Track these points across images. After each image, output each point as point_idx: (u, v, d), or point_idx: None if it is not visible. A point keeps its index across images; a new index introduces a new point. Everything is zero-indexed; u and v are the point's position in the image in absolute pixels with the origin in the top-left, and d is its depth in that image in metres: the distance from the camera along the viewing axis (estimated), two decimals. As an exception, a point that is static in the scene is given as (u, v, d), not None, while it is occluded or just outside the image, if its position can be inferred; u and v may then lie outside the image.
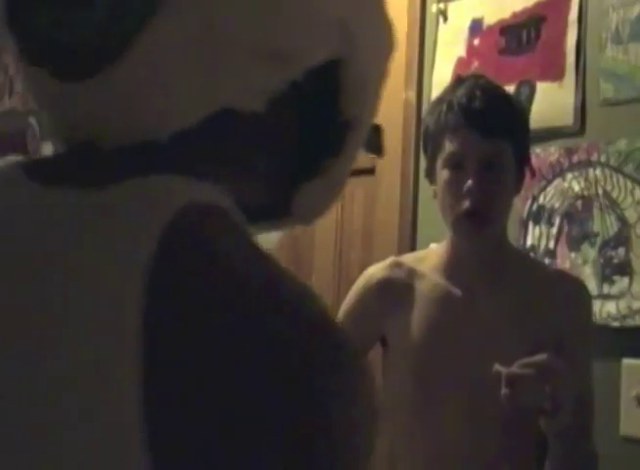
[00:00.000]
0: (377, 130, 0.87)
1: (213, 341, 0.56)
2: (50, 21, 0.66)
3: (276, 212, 0.75)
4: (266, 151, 0.72)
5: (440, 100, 1.71)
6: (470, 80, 1.71)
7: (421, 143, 1.79)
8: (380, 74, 0.78)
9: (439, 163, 1.68)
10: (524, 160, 1.72)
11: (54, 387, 0.56)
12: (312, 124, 0.72)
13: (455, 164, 1.65)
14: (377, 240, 2.62)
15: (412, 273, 1.75)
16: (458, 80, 1.74)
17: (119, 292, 0.57)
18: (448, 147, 1.66)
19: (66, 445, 0.55)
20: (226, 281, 0.58)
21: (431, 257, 1.79)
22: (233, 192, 0.66)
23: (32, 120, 4.50)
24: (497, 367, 1.51)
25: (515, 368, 1.50)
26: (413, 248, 2.49)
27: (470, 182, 1.62)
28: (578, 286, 1.77)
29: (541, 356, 1.51)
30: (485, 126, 1.64)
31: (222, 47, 0.66)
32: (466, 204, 1.63)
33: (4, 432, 0.57)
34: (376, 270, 1.77)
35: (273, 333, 0.56)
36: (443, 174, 1.67)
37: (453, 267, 1.73)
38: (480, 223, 1.66)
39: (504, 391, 1.49)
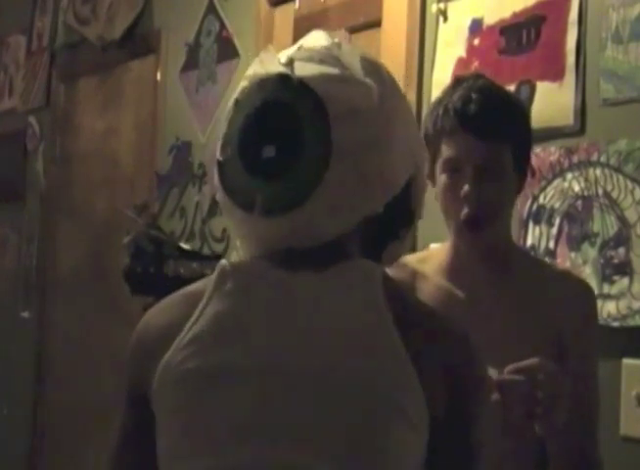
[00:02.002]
0: None
1: (435, 333, 1.19)
2: (257, 191, 1.17)
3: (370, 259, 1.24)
4: (375, 231, 1.23)
5: (438, 102, 1.70)
6: (468, 81, 1.70)
7: None
8: (425, 181, 1.30)
9: (438, 167, 1.68)
10: (525, 159, 1.71)
11: (375, 365, 1.14)
12: (397, 211, 1.24)
13: (452, 169, 1.65)
14: (377, 240, 2.62)
15: (415, 275, 1.75)
16: (457, 81, 1.73)
17: (381, 318, 1.15)
18: (445, 151, 1.66)
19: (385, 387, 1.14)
20: (422, 306, 1.27)
21: (433, 257, 1.79)
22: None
23: (32, 120, 4.50)
24: (490, 372, 1.51)
25: (505, 374, 1.50)
26: (413, 248, 2.49)
27: (466, 188, 1.62)
28: (583, 286, 1.77)
29: (532, 361, 1.51)
30: (481, 130, 1.63)
31: (364, 182, 1.17)
32: (464, 210, 1.63)
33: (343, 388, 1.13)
34: None
35: (458, 331, 1.22)
36: (442, 179, 1.67)
37: (456, 269, 1.73)
38: (479, 229, 1.65)
39: (494, 396, 1.50)
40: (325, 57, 1.21)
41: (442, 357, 1.17)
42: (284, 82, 1.19)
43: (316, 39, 1.25)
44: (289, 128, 1.17)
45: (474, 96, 1.64)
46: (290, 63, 1.20)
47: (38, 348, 4.30)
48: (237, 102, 1.23)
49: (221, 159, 1.21)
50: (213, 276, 1.22)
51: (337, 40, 1.25)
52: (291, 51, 1.24)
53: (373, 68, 1.23)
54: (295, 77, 1.18)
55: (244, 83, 1.24)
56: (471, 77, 1.74)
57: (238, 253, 1.29)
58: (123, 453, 1.26)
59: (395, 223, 1.25)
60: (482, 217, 1.64)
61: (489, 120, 1.63)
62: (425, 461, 1.17)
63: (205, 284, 1.23)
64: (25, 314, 4.42)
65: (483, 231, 1.66)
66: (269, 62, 1.23)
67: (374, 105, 1.19)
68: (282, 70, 1.20)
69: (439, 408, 1.15)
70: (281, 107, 1.18)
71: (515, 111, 1.70)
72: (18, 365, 4.42)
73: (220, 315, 1.18)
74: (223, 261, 1.22)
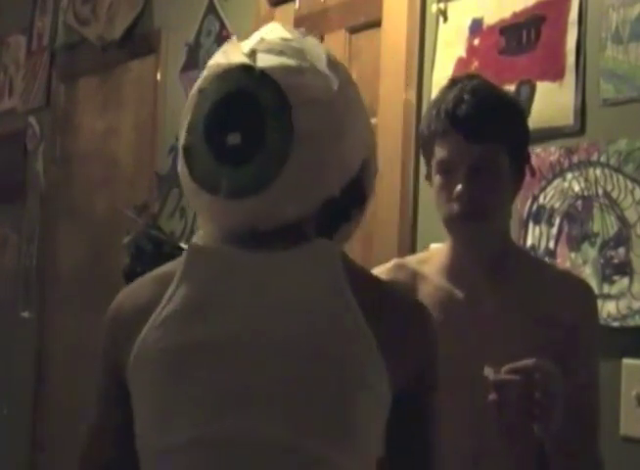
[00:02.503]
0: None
1: (392, 305, 1.28)
2: (223, 175, 1.23)
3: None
4: (329, 213, 1.29)
5: (433, 104, 1.71)
6: (462, 83, 1.70)
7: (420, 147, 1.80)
8: (377, 165, 1.37)
9: (433, 168, 1.68)
10: (521, 159, 1.71)
11: (335, 335, 1.22)
12: (351, 192, 1.31)
13: (446, 170, 1.65)
14: (377, 240, 2.62)
15: (415, 275, 1.75)
16: (452, 82, 1.73)
17: (342, 294, 1.23)
18: (438, 153, 1.66)
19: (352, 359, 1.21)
20: (376, 280, 1.34)
21: (433, 258, 1.79)
22: None
23: (32, 120, 4.49)
24: (486, 372, 1.50)
25: (502, 373, 1.50)
26: (413, 248, 2.49)
27: (459, 187, 1.62)
28: (584, 286, 1.77)
29: (529, 361, 1.51)
30: (472, 131, 1.63)
31: (324, 167, 1.24)
32: (456, 208, 1.63)
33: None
34: (378, 273, 1.77)
35: (412, 299, 1.39)
36: (436, 180, 1.68)
37: (456, 269, 1.73)
38: (472, 226, 1.65)
39: (491, 396, 1.50)
40: (285, 49, 1.28)
41: (402, 329, 1.25)
42: (247, 73, 1.25)
43: (276, 31, 1.32)
44: (252, 117, 1.24)
45: (466, 97, 1.64)
46: (252, 54, 1.27)
47: (38, 348, 4.30)
48: (201, 91, 1.29)
49: (187, 145, 1.28)
50: (182, 258, 1.28)
51: (301, 35, 1.32)
52: (252, 42, 1.29)
53: (333, 60, 1.31)
54: (257, 68, 1.25)
55: (207, 73, 1.30)
56: (465, 78, 1.75)
57: (199, 235, 1.32)
58: (103, 429, 1.32)
59: (349, 205, 1.33)
60: (475, 215, 1.64)
61: (481, 122, 1.63)
62: (386, 432, 1.25)
63: (174, 266, 1.29)
64: (25, 314, 4.41)
65: (476, 228, 1.66)
66: (232, 52, 1.29)
67: (333, 95, 1.26)
68: (244, 60, 1.26)
69: (401, 380, 1.23)
70: (244, 96, 1.25)
71: (509, 111, 1.70)
72: (18, 365, 4.42)
73: (192, 295, 1.25)
74: (192, 244, 1.30)
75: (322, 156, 1.24)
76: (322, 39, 2.88)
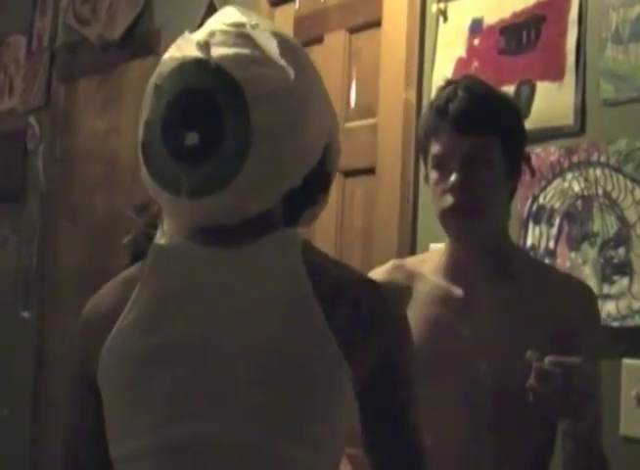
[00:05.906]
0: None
1: (352, 293, 1.24)
2: (182, 175, 1.21)
3: (289, 224, 1.31)
4: (294, 198, 1.27)
5: (429, 104, 1.74)
6: (457, 82, 1.72)
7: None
8: (339, 145, 1.35)
9: (429, 165, 1.70)
10: (516, 156, 1.72)
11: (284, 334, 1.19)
12: (315, 177, 1.29)
13: (440, 165, 1.67)
14: (377, 240, 2.62)
15: (412, 275, 1.76)
16: (447, 83, 1.75)
17: (300, 287, 1.20)
18: (433, 149, 1.69)
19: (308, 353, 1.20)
20: (339, 266, 1.29)
21: (432, 258, 1.80)
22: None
23: (32, 120, 4.49)
24: (529, 355, 1.44)
25: (545, 362, 1.44)
26: (413, 248, 2.49)
27: (452, 178, 1.64)
28: (585, 289, 1.76)
29: (575, 359, 1.45)
30: (462, 125, 1.64)
31: (284, 160, 1.22)
32: (449, 200, 1.64)
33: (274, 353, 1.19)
34: (377, 274, 1.78)
35: (367, 279, 1.30)
36: (431, 176, 1.69)
37: (453, 268, 1.73)
38: (464, 219, 1.66)
39: (530, 381, 1.44)
40: (239, 38, 1.24)
41: (361, 318, 1.22)
42: (201, 67, 1.22)
43: (230, 17, 1.29)
44: (209, 114, 1.20)
45: (459, 93, 1.67)
46: (206, 46, 1.24)
47: (38, 348, 4.30)
48: (157, 87, 1.25)
49: (145, 142, 1.25)
50: (147, 259, 1.26)
51: (253, 22, 1.28)
52: (206, 34, 1.26)
53: (287, 46, 1.27)
54: (212, 62, 1.22)
55: (161, 68, 1.26)
56: (460, 78, 1.79)
57: (164, 231, 1.31)
58: (79, 435, 1.33)
59: (313, 190, 1.31)
60: (469, 207, 1.64)
61: (472, 114, 1.65)
62: (364, 413, 1.25)
63: (141, 267, 1.28)
64: (25, 314, 4.41)
65: (469, 221, 1.66)
66: (186, 46, 1.25)
67: (290, 85, 1.23)
68: (198, 54, 1.23)
69: (365, 371, 1.21)
70: (200, 93, 1.21)
71: (501, 105, 1.71)
72: (18, 365, 4.42)
73: (155, 298, 1.23)
74: (155, 244, 1.29)
75: (282, 148, 1.21)
76: (322, 39, 2.88)
